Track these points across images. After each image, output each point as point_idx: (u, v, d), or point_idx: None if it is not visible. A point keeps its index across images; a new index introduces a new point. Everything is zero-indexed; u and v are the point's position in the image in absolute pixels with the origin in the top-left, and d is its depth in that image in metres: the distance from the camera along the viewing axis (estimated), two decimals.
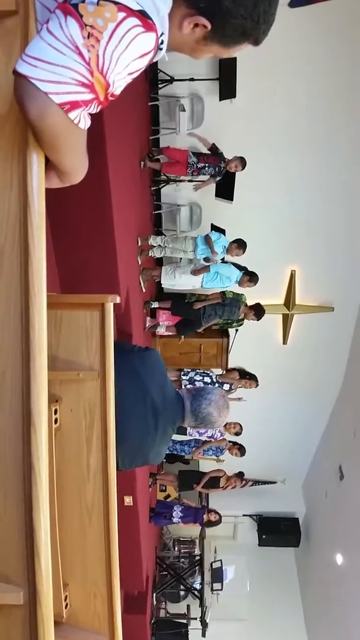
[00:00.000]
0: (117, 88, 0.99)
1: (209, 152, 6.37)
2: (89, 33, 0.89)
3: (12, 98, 1.01)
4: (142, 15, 0.92)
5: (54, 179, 1.11)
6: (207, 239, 6.24)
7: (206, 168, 6.36)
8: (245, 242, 6.23)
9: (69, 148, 1.03)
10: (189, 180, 7.10)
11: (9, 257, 1.08)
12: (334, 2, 6.18)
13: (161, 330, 7.08)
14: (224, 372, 7.81)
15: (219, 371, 7.90)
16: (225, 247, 6.29)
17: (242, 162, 6.25)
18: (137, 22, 0.92)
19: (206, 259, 6.38)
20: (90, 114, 1.02)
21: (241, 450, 7.33)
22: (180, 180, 7.25)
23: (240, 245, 6.23)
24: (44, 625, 1.10)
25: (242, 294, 6.65)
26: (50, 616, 1.11)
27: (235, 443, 7.39)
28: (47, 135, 0.97)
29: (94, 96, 0.96)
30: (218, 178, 6.44)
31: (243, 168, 6.29)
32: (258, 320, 6.56)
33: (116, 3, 0.90)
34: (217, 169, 6.35)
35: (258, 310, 6.53)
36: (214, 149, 6.34)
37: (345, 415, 9.06)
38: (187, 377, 6.79)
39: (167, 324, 6.98)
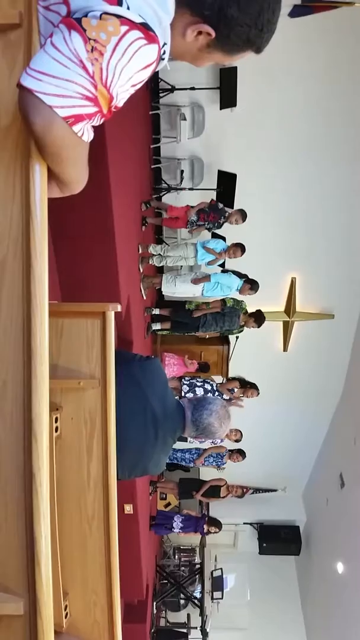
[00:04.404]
0: (120, 100, 1.01)
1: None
2: (92, 47, 0.90)
3: (14, 110, 1.03)
4: (145, 27, 0.94)
5: (54, 189, 1.12)
6: (206, 250, 6.28)
7: (206, 224, 6.46)
8: (243, 245, 6.26)
9: (72, 160, 1.04)
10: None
11: (11, 268, 1.08)
12: (333, 12, 6.24)
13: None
14: (224, 380, 7.78)
15: (219, 379, 7.88)
16: (224, 249, 6.32)
17: (243, 215, 6.29)
18: (140, 35, 0.93)
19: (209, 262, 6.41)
20: (93, 126, 1.03)
21: (241, 454, 7.30)
22: (182, 189, 7.28)
23: (239, 247, 6.26)
24: (44, 636, 1.09)
25: (243, 301, 6.66)
26: (50, 627, 1.10)
27: (233, 451, 7.36)
28: (51, 148, 0.98)
29: (98, 109, 0.97)
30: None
31: (244, 220, 6.32)
32: (258, 327, 6.58)
33: (119, 16, 0.91)
34: (216, 225, 6.46)
35: (258, 318, 6.53)
36: (214, 205, 6.39)
37: (346, 422, 9.03)
38: (188, 382, 6.77)
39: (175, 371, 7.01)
